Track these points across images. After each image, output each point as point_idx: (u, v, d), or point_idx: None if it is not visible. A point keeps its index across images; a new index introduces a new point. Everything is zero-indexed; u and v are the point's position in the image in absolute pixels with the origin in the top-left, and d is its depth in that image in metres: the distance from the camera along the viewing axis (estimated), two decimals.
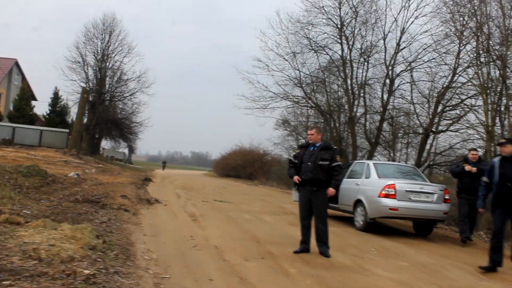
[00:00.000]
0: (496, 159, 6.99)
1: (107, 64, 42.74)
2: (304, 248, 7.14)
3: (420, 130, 20.80)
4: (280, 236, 8.64)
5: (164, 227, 8.68)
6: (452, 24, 17.06)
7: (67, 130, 38.26)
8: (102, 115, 40.91)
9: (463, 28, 16.54)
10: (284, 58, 23.04)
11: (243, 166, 43.52)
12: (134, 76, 43.00)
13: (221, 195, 18.68)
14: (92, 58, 42.11)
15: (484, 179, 7.20)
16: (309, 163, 7.11)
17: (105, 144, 58.49)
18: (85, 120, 39.74)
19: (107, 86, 43.56)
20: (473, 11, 15.60)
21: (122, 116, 45.87)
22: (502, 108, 15.16)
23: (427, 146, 20.54)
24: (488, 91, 15.11)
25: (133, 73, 44.59)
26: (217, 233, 8.43)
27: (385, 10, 21.61)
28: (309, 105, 24.51)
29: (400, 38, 21.22)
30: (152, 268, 5.26)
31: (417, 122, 21.20)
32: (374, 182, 10.62)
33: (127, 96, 44.38)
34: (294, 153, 7.64)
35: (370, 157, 21.32)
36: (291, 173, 7.37)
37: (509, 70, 14.98)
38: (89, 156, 35.17)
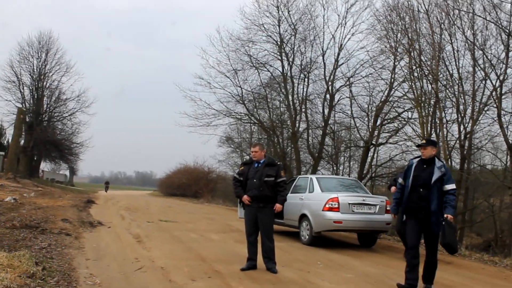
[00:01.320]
0: (415, 160, 6.35)
1: (44, 83, 41.42)
2: (251, 265, 7.13)
3: (361, 143, 21.36)
4: (227, 254, 8.60)
5: (107, 250, 8.45)
6: (387, 41, 17.77)
7: (2, 153, 36.73)
8: (40, 136, 39.45)
9: (397, 45, 17.25)
10: (226, 75, 23.14)
11: (188, 184, 43.11)
12: (73, 96, 41.77)
13: (167, 214, 18.41)
14: (28, 77, 40.71)
15: (400, 180, 6.49)
16: (255, 180, 7.13)
17: (45, 166, 56.38)
18: (22, 141, 38.38)
19: (45, 106, 42.22)
20: (405, 28, 16.27)
21: (61, 136, 44.38)
22: (437, 120, 15.83)
23: (369, 159, 21.12)
24: (422, 104, 15.73)
25: (72, 92, 43.20)
26: (162, 253, 8.30)
27: (323, 27, 22.16)
28: (252, 121, 24.69)
29: (338, 54, 21.83)
30: None
31: (358, 135, 21.79)
32: (317, 196, 10.77)
33: (66, 116, 43.05)
34: (238, 170, 7.62)
35: (313, 171, 21.64)
36: (239, 193, 7.34)
37: (441, 84, 15.68)
38: (27, 179, 33.88)
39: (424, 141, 6.37)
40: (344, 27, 21.58)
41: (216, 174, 41.89)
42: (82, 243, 8.88)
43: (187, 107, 40.71)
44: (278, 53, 22.84)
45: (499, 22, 14.47)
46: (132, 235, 10.84)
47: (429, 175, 6.01)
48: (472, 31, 15.24)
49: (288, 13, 22.30)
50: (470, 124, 15.59)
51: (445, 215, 5.84)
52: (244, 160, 8.59)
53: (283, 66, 22.93)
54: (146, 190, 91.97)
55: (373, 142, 20.43)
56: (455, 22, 15.51)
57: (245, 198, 7.21)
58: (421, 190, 6.02)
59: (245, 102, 23.61)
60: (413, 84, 16.36)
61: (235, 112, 24.01)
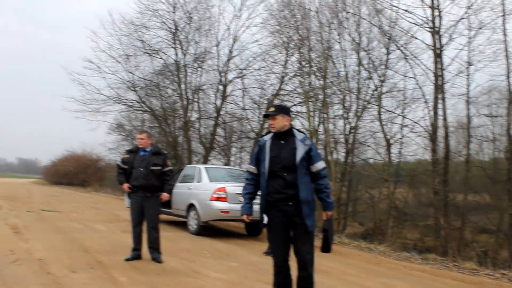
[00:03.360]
0: (267, 137, 4.76)
1: None
2: (136, 255, 7.04)
3: (252, 135, 21.72)
4: (112, 245, 8.40)
5: None
6: (279, 36, 18.20)
7: None
8: None
9: (289, 40, 17.73)
10: (117, 60, 22.34)
11: (75, 172, 41.38)
12: None
13: (50, 204, 17.57)
14: None
15: (251, 168, 4.88)
16: (141, 169, 7.02)
17: None
18: None
19: None
20: (296, 25, 16.81)
21: None
22: (325, 115, 16.56)
23: None
24: (311, 99, 16.38)
25: None
26: (41, 245, 7.92)
27: (219, 18, 22.18)
28: (143, 109, 24.14)
29: (233, 46, 21.96)
30: None
31: (249, 127, 22.13)
32: (205, 186, 10.83)
33: None
34: (123, 158, 7.45)
35: (205, 162, 21.69)
36: (121, 180, 7.20)
37: (328, 81, 16.42)
38: None
39: (272, 109, 4.74)
40: (239, 19, 21.77)
41: (105, 162, 40.50)
42: None
43: (75, 91, 38.79)
44: (172, 41, 22.50)
45: (382, 27, 15.46)
46: (8, 226, 10.22)
47: (292, 152, 4.55)
48: (358, 33, 16.14)
49: (184, 0, 22.04)
50: (354, 120, 16.50)
51: (324, 213, 4.68)
52: (129, 148, 8.38)
53: (176, 54, 22.63)
54: (30, 178, 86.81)
55: (263, 134, 20.82)
56: (343, 23, 16.30)
57: (125, 186, 7.09)
58: (285, 174, 4.51)
59: (137, 89, 23.01)
60: (303, 79, 16.94)
61: (126, 99, 23.32)
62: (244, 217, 4.82)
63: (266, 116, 4.85)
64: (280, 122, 4.66)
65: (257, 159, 4.77)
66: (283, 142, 4.65)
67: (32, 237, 8.81)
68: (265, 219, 4.72)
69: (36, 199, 20.17)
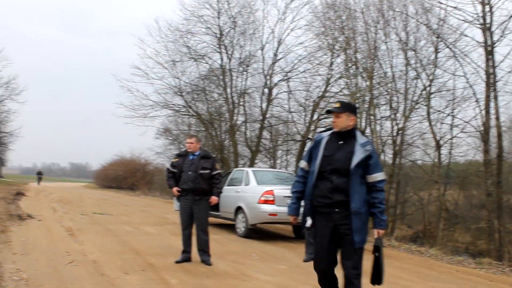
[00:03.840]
0: (325, 134, 4.34)
1: None
2: (186, 257, 7.13)
3: (298, 138, 21.65)
4: (161, 247, 8.54)
5: (37, 244, 8.19)
6: (324, 38, 18.09)
7: None
8: None
9: (334, 42, 17.60)
10: (164, 66, 22.79)
11: (124, 176, 42.32)
12: (2, 83, 39.88)
13: (101, 207, 18.04)
14: None
15: (302, 164, 4.44)
16: (190, 172, 7.11)
17: None
18: None
19: None
20: (341, 26, 16.67)
21: None
22: (372, 117, 16.36)
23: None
24: (357, 101, 16.19)
25: (0, 78, 41.36)
26: (95, 247, 8.14)
27: (263, 22, 22.26)
28: (190, 114, 24.47)
29: (277, 49, 21.98)
30: None
31: (295, 129, 22.07)
32: (253, 189, 10.87)
33: None
34: (172, 162, 7.57)
35: (251, 165, 21.77)
36: (171, 184, 7.32)
37: (375, 82, 16.21)
38: None
39: (337, 105, 4.27)
40: (284, 22, 21.78)
41: (153, 166, 41.26)
42: (8, 237, 8.55)
43: (124, 98, 39.80)
44: (217, 46, 22.73)
45: (430, 25, 15.14)
46: (64, 228, 10.54)
47: (348, 155, 4.08)
48: (405, 32, 15.86)
49: (228, 5, 22.21)
50: (402, 121, 16.21)
51: (375, 231, 4.12)
52: (179, 152, 8.51)
53: (222, 59, 22.86)
54: (81, 182, 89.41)
55: (310, 137, 20.78)
56: (389, 23, 16.06)
57: (175, 190, 7.20)
58: (334, 177, 4.06)
59: (183, 94, 23.37)
60: (349, 80, 16.79)
61: (172, 104, 23.73)
62: (291, 218, 4.43)
63: (329, 112, 4.34)
64: (344, 122, 4.20)
65: (310, 156, 4.34)
66: (341, 142, 4.18)
67: (85, 239, 9.06)
68: (308, 222, 4.25)
69: (88, 203, 20.73)
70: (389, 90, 16.48)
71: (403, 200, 18.60)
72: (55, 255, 7.16)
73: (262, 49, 22.33)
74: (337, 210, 4.04)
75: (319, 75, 20.11)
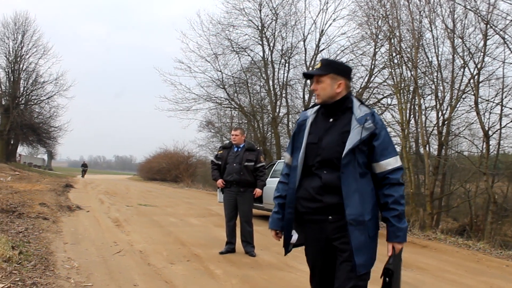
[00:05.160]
0: (311, 112, 3.03)
1: (21, 65, 40.47)
2: (230, 248, 7.19)
3: None
4: (206, 238, 8.64)
5: (86, 234, 8.42)
6: (367, 27, 17.84)
7: None
8: (17, 119, 38.76)
9: (378, 31, 17.32)
10: (206, 60, 23.06)
11: (168, 169, 42.94)
12: (51, 79, 41.14)
13: (146, 199, 18.38)
14: (3, 59, 39.74)
15: (286, 158, 3.17)
16: (235, 164, 7.15)
17: (22, 150, 55.49)
18: None
19: (21, 89, 41.34)
20: (385, 15, 16.36)
21: (39, 120, 43.66)
22: (416, 107, 16.03)
23: None
24: (402, 91, 15.89)
25: (49, 75, 42.68)
26: (141, 237, 8.31)
27: (304, 13, 22.28)
28: (232, 106, 24.64)
29: (319, 39, 21.88)
30: (73, 276, 5.10)
31: None
32: None
33: (44, 100, 42.23)
34: (216, 153, 7.62)
35: None
36: (215, 176, 7.37)
37: (420, 71, 15.84)
38: (3, 163, 33.39)
39: (318, 65, 2.94)
40: (326, 12, 21.72)
41: (196, 159, 41.80)
42: (60, 227, 8.82)
43: (167, 91, 40.39)
44: (259, 38, 22.79)
45: (478, 11, 14.63)
46: (111, 219, 10.81)
47: (340, 138, 2.81)
48: (452, 19, 15.40)
49: None
50: (448, 111, 15.79)
51: (390, 245, 2.81)
52: (223, 144, 8.56)
53: (263, 51, 22.92)
54: (126, 174, 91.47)
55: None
56: (435, 10, 15.65)
57: (219, 182, 7.24)
58: (324, 172, 2.82)
59: (226, 86, 23.58)
60: (393, 70, 16.48)
61: (215, 97, 23.99)
62: (272, 233, 3.11)
63: (307, 76, 3.19)
64: (329, 88, 2.85)
65: (293, 145, 3.06)
66: (332, 120, 2.89)
67: (132, 230, 9.26)
68: (294, 237, 3.00)
69: (133, 194, 21.15)
70: (434, 79, 16.10)
71: (449, 192, 18.21)
72: (103, 245, 7.35)
73: (304, 40, 22.29)
74: (330, 217, 2.79)
75: (362, 65, 19.91)
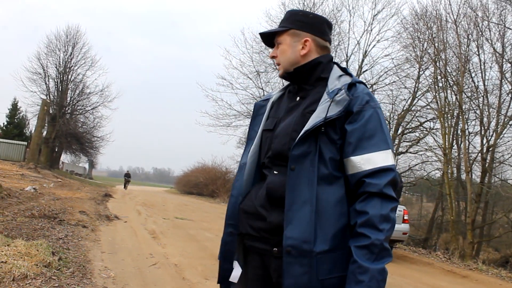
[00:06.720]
0: (276, 92, 2.21)
1: (69, 76, 42.01)
2: None
3: None
4: None
5: (123, 244, 8.50)
6: (412, 49, 17.68)
7: (25, 143, 37.35)
8: (62, 128, 40.01)
9: (423, 54, 17.11)
10: (248, 77, 23.25)
11: (205, 183, 43.17)
12: (97, 90, 42.42)
13: (182, 212, 18.49)
14: (53, 70, 41.29)
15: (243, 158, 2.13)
16: None
17: (65, 158, 57.11)
18: (44, 133, 38.86)
19: (68, 98, 42.73)
20: (431, 38, 16.16)
21: (83, 130, 44.99)
22: (459, 132, 15.68)
23: None
24: (446, 115, 15.59)
25: (95, 86, 44.03)
26: (177, 251, 8.33)
27: (348, 33, 22.10)
28: None
29: (362, 60, 21.72)
30: (109, 286, 5.14)
31: None
32: None
33: (89, 110, 43.61)
34: None
35: None
36: None
37: (465, 96, 15.53)
38: (47, 170, 34.31)
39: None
40: (370, 33, 21.50)
41: (233, 175, 41.82)
42: (98, 236, 8.94)
43: (208, 107, 41.00)
44: None
45: None
46: (147, 231, 10.89)
47: (301, 120, 1.84)
48: (502, 43, 15.09)
49: None
50: (493, 137, 15.40)
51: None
52: None
53: None
54: (163, 187, 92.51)
55: (393, 151, 20.29)
56: (484, 34, 15.37)
57: None
58: (274, 173, 1.88)
59: None
60: (437, 94, 16.23)
61: None
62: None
63: (267, 40, 2.11)
64: (288, 50, 1.97)
65: (248, 136, 2.20)
66: (299, 98, 1.97)
67: (168, 242, 9.30)
68: (235, 270, 2.05)
69: (170, 207, 21.32)
70: (480, 104, 15.74)
71: (491, 221, 17.65)
72: (139, 256, 7.40)
73: (347, 60, 22.15)
74: (275, 249, 1.81)
75: (406, 88, 19.64)
